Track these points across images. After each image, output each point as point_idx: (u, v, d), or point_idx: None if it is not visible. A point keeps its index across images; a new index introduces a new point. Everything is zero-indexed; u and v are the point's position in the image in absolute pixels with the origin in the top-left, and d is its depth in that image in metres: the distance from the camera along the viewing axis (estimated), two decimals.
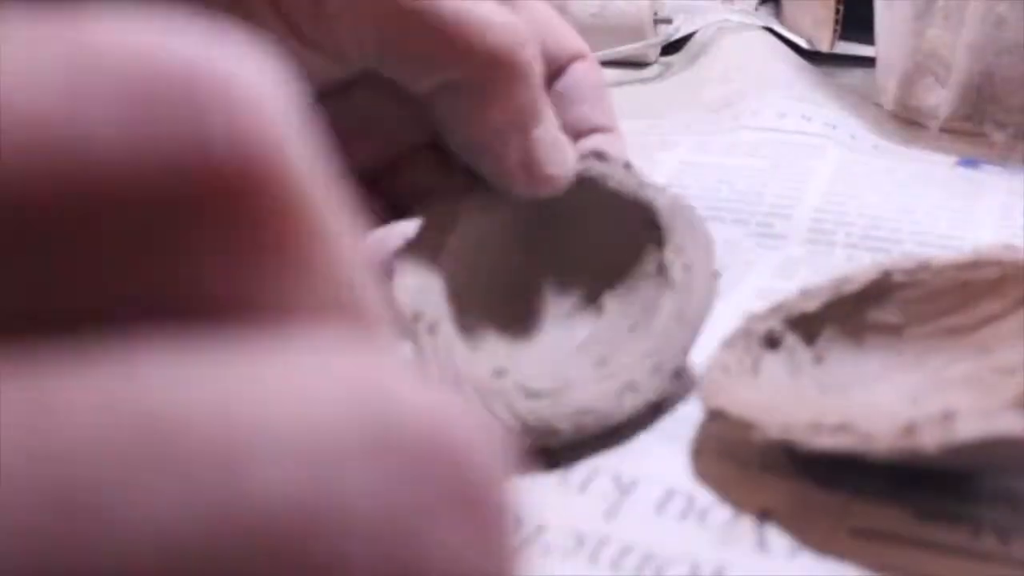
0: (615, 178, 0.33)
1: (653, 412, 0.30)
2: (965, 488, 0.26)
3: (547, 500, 0.27)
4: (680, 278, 0.30)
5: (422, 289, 0.29)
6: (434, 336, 0.28)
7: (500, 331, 0.32)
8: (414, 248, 0.30)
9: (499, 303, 0.33)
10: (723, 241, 0.40)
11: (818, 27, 0.61)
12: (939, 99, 0.50)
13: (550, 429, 0.27)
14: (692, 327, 0.30)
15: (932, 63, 0.50)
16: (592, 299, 0.33)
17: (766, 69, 0.58)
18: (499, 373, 0.28)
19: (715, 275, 0.31)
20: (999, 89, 0.48)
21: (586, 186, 0.33)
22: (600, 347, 0.30)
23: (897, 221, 0.40)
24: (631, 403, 0.28)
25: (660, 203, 0.32)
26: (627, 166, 0.33)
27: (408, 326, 0.28)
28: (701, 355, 0.31)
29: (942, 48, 0.49)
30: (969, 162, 0.47)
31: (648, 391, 0.29)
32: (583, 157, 0.33)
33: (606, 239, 0.33)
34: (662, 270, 0.31)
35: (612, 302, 0.32)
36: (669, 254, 0.31)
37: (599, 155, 0.33)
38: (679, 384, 0.30)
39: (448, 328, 0.28)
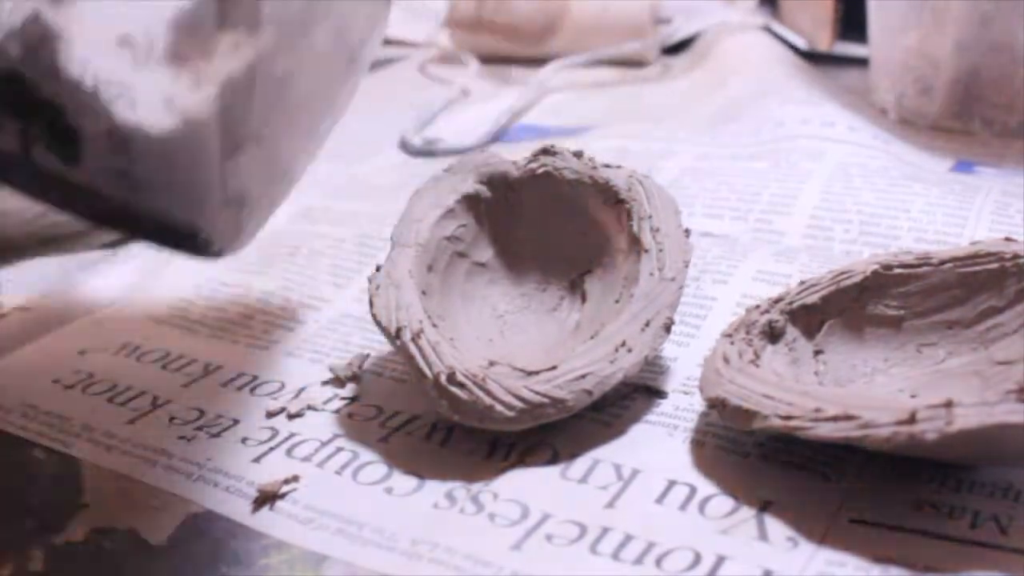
0: (569, 167, 0.34)
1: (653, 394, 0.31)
2: (964, 478, 0.26)
3: (549, 490, 0.27)
4: (651, 241, 0.31)
5: (399, 306, 0.30)
6: (419, 342, 0.28)
7: (487, 334, 0.32)
8: (388, 267, 0.31)
9: (480, 309, 0.33)
10: (721, 236, 0.41)
11: (817, 27, 0.61)
12: (929, 98, 0.51)
13: (553, 401, 0.28)
14: (673, 282, 0.30)
15: (922, 62, 0.50)
16: (574, 288, 0.34)
17: (765, 72, 0.58)
18: (492, 364, 0.28)
19: (685, 232, 0.32)
20: (986, 87, 0.49)
21: (544, 182, 0.34)
22: (592, 327, 0.31)
23: (894, 219, 0.40)
24: (628, 362, 0.29)
25: (617, 180, 0.33)
26: (577, 154, 0.35)
27: (392, 339, 0.29)
28: (702, 347, 0.32)
29: (931, 47, 0.49)
30: (964, 165, 0.47)
31: (642, 348, 0.29)
32: (534, 156, 0.35)
33: (575, 227, 0.34)
34: (633, 240, 0.32)
35: (594, 285, 0.33)
36: (636, 223, 0.32)
37: (547, 150, 0.35)
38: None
39: (432, 333, 0.29)
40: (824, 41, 0.61)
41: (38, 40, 0.33)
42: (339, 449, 0.30)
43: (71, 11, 0.32)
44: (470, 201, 0.34)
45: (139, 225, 0.29)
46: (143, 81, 0.32)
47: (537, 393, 0.28)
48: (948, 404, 0.24)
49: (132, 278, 0.41)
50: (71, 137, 0.32)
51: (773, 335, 0.29)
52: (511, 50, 0.67)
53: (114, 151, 0.33)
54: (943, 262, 0.30)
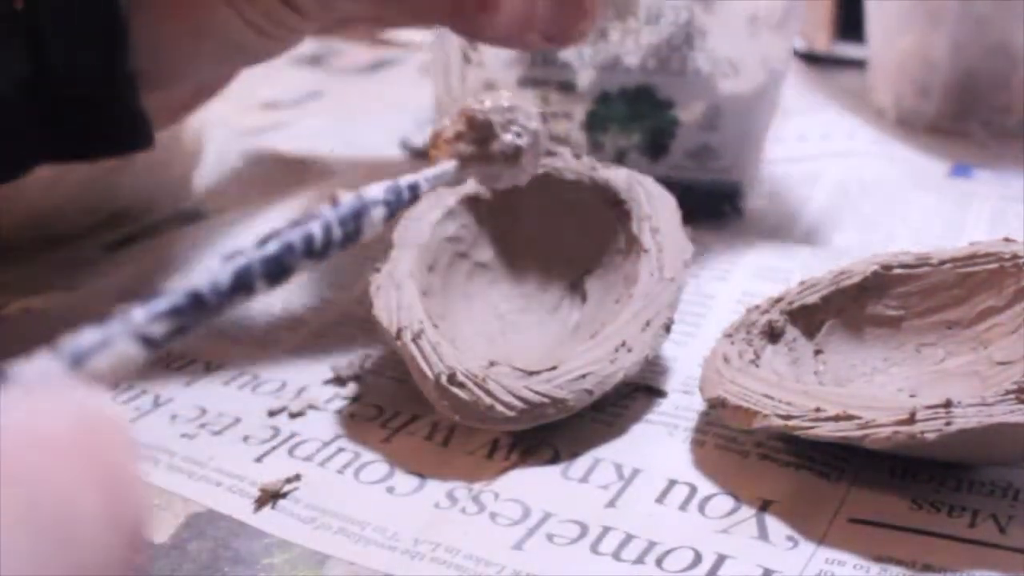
0: (569, 168, 0.34)
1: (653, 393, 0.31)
2: (963, 477, 0.26)
3: (550, 489, 0.27)
4: (650, 241, 0.31)
5: (400, 306, 0.30)
6: (419, 342, 0.28)
7: (488, 334, 0.32)
8: (389, 268, 0.32)
9: (480, 310, 0.33)
10: (720, 238, 0.41)
11: (815, 28, 0.61)
12: (927, 99, 0.51)
13: (553, 401, 0.28)
14: (673, 282, 0.31)
15: (919, 63, 0.50)
16: (575, 288, 0.34)
17: None
18: (493, 364, 0.29)
19: (684, 232, 0.32)
20: (983, 88, 0.49)
21: (544, 182, 0.34)
22: (592, 327, 0.31)
23: (893, 224, 0.41)
24: (628, 361, 0.29)
25: (617, 180, 0.34)
26: (577, 155, 0.35)
27: (393, 340, 0.29)
28: (702, 346, 0.32)
29: (928, 48, 0.49)
30: (962, 169, 0.47)
31: (642, 348, 0.29)
32: None
33: (575, 227, 0.35)
34: (633, 241, 0.32)
35: (594, 285, 0.33)
36: (635, 223, 0.32)
37: (548, 151, 0.35)
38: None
39: (432, 333, 0.29)
40: (822, 42, 0.61)
41: (682, 42, 0.37)
42: (341, 449, 0.30)
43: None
44: (471, 202, 0.34)
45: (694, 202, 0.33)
46: (752, 50, 0.39)
47: (537, 393, 0.28)
48: (947, 404, 0.24)
49: (132, 278, 0.42)
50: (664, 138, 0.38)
51: (773, 335, 0.30)
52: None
53: (706, 127, 0.39)
54: (942, 262, 0.30)
